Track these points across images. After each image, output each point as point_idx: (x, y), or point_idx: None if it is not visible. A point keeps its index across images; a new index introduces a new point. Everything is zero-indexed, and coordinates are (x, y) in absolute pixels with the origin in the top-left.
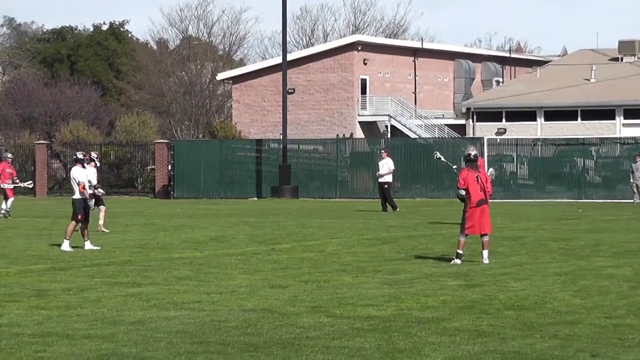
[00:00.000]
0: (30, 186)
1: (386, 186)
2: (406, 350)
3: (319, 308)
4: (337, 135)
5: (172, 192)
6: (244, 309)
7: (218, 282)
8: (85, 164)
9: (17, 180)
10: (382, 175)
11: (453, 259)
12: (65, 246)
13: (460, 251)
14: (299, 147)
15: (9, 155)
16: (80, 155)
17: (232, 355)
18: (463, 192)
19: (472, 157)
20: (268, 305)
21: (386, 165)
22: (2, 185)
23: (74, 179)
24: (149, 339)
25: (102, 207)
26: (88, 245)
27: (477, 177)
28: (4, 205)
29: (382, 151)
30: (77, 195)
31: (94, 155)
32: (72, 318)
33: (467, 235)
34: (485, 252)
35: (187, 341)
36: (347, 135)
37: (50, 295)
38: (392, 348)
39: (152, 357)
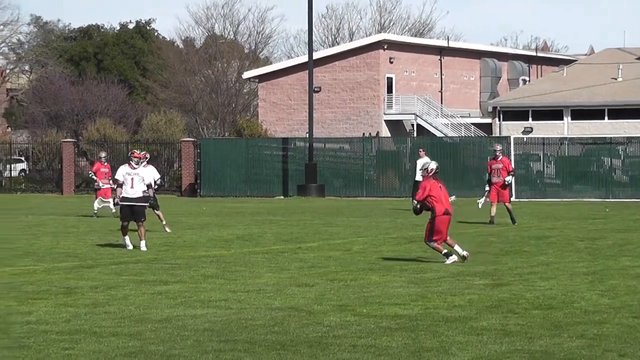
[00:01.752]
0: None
1: None
2: (433, 349)
3: (345, 306)
4: (363, 133)
5: (198, 191)
6: (270, 308)
7: (245, 280)
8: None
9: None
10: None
11: (447, 260)
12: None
13: (445, 250)
14: (325, 145)
15: (103, 154)
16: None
17: (259, 353)
18: (417, 204)
19: (436, 170)
20: (295, 303)
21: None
22: (100, 185)
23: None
24: (176, 337)
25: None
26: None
27: (440, 187)
28: (96, 205)
29: (421, 150)
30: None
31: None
32: (99, 316)
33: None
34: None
35: (214, 339)
36: (373, 134)
37: (77, 293)
38: (419, 347)
39: (179, 355)
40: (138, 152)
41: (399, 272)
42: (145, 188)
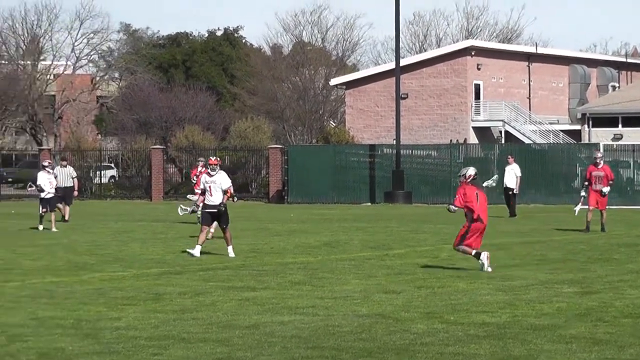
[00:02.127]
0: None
1: (511, 192)
2: (521, 357)
3: (433, 314)
4: (451, 140)
5: (286, 197)
6: (357, 314)
7: (331, 287)
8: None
9: None
10: (512, 186)
11: (481, 264)
12: (196, 251)
13: (474, 251)
14: (412, 152)
15: (201, 159)
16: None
17: None
18: (455, 208)
19: (474, 177)
20: (382, 310)
21: (512, 172)
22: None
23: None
24: (264, 344)
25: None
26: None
27: (476, 193)
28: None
29: (509, 157)
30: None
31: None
32: (187, 322)
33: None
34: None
35: (301, 346)
36: (461, 141)
37: (166, 299)
38: (507, 355)
39: None
40: (213, 158)
41: (486, 279)
42: (223, 194)
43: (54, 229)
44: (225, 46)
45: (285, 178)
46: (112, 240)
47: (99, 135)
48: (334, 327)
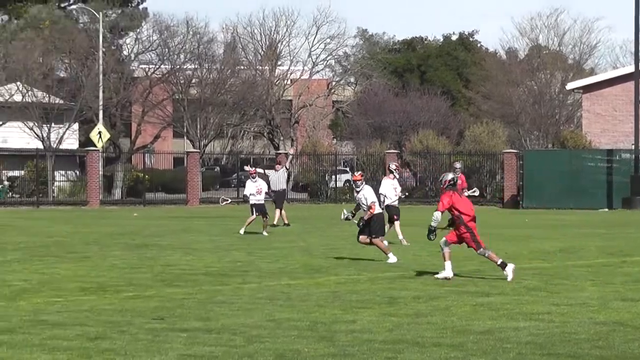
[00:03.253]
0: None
1: None
2: None
3: None
4: None
5: (520, 202)
6: (594, 322)
7: (567, 293)
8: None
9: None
10: None
11: (506, 272)
12: (392, 259)
13: (499, 260)
14: None
15: (457, 165)
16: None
17: None
18: (438, 215)
19: (454, 182)
20: (619, 318)
21: None
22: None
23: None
24: (498, 349)
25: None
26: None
27: (461, 197)
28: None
29: None
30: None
31: (392, 166)
32: (421, 326)
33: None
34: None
35: (536, 352)
36: None
37: (400, 303)
38: None
39: None
40: (357, 174)
41: None
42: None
43: (264, 233)
44: (460, 50)
45: (520, 183)
46: (346, 244)
47: (334, 139)
48: (570, 334)
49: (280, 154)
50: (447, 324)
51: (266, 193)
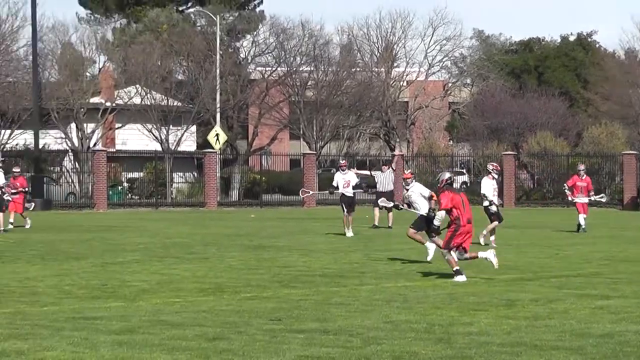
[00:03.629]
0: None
1: None
2: None
3: None
4: None
5: None
6: None
7: None
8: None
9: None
10: None
11: (456, 278)
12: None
13: (457, 267)
14: None
15: (581, 167)
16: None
17: None
18: (443, 214)
19: (450, 181)
20: None
21: None
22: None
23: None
24: (618, 353)
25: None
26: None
27: (461, 198)
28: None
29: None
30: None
31: (490, 167)
32: (540, 329)
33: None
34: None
35: None
36: None
37: (518, 305)
38: None
39: None
40: (407, 172)
41: None
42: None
43: (348, 233)
44: (579, 51)
45: None
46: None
47: (451, 141)
48: None
49: (394, 156)
50: (566, 327)
51: (358, 186)
